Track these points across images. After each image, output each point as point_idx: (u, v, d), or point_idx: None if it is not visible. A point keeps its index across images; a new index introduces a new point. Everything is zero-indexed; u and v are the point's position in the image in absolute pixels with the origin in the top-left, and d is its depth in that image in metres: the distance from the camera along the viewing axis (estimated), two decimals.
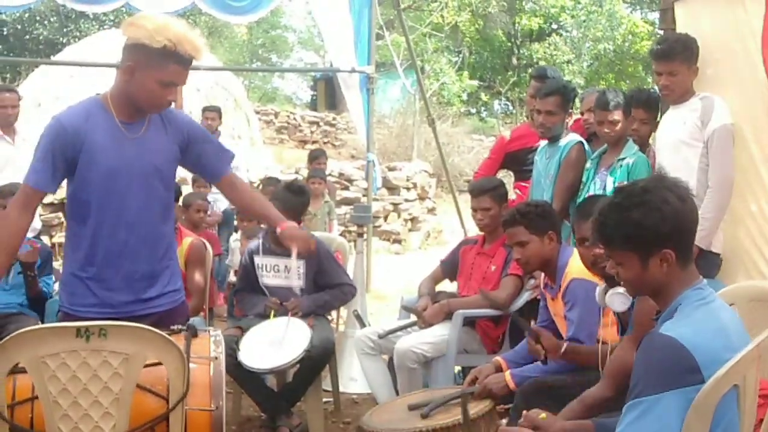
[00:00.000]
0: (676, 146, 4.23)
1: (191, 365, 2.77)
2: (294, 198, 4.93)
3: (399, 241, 12.59)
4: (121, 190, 3.14)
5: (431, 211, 14.08)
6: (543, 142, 5.08)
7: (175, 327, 2.99)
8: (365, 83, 8.55)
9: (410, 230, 13.12)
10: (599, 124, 4.52)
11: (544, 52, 25.56)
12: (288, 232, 3.48)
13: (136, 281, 3.23)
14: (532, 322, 4.24)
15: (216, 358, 2.90)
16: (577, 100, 5.53)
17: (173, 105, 7.35)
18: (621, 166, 4.43)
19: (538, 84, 5.38)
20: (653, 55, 4.34)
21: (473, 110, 27.49)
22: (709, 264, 4.04)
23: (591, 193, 4.48)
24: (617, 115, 4.43)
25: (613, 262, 2.39)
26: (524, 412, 2.80)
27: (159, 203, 3.26)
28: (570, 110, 4.99)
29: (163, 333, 2.68)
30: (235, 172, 7.99)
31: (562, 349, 3.53)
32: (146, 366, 2.69)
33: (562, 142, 4.86)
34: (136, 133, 3.17)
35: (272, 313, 4.72)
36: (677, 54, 4.19)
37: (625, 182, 3.89)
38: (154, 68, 3.03)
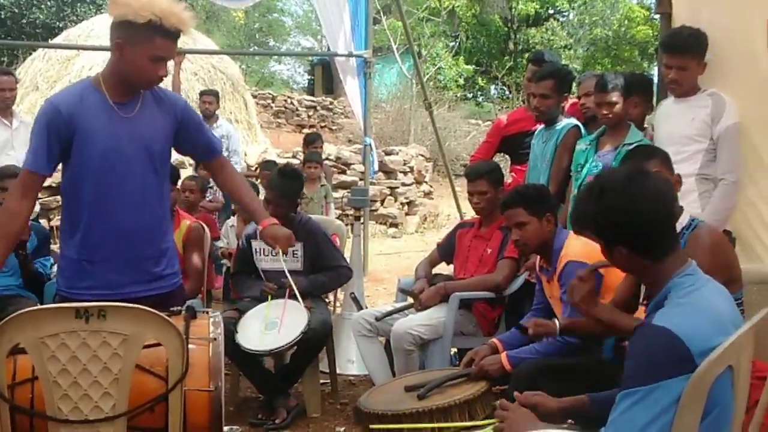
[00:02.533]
0: (682, 141, 4.23)
1: (190, 346, 2.79)
2: (288, 183, 4.94)
3: (396, 225, 12.62)
4: (115, 170, 3.14)
5: (428, 195, 14.11)
6: (540, 126, 5.09)
7: (174, 308, 3.00)
8: (362, 67, 8.56)
9: (407, 214, 13.15)
10: (598, 106, 4.53)
11: (541, 37, 25.54)
12: (269, 231, 3.51)
13: (133, 263, 3.24)
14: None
15: (215, 339, 2.91)
16: (574, 85, 5.55)
17: (171, 88, 7.38)
18: (628, 151, 4.41)
19: (534, 68, 5.38)
20: (665, 48, 4.33)
21: (470, 95, 27.47)
22: None
23: (591, 176, 4.47)
24: (615, 97, 4.42)
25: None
26: (515, 393, 2.83)
27: (154, 183, 3.26)
28: (566, 94, 5.00)
29: (162, 314, 2.70)
30: (233, 156, 8.08)
31: (558, 331, 3.53)
32: (146, 347, 2.70)
33: (559, 125, 4.88)
34: (130, 113, 3.17)
35: (269, 297, 4.74)
36: (689, 48, 4.18)
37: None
38: (143, 44, 3.04)
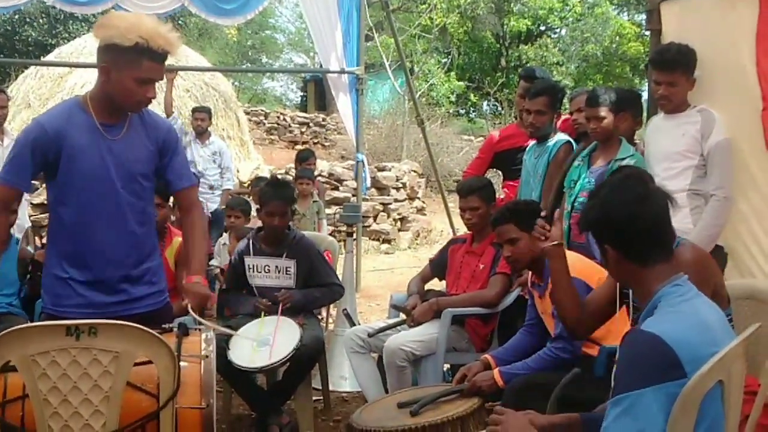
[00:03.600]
0: (672, 156, 4.25)
1: (182, 363, 2.78)
2: (277, 191, 4.95)
3: (388, 241, 12.62)
4: (98, 191, 3.15)
5: (420, 211, 14.12)
6: (532, 142, 5.10)
7: (166, 326, 2.99)
8: (354, 84, 8.57)
9: (399, 230, 13.15)
10: (588, 120, 4.54)
11: (534, 54, 25.64)
12: (187, 287, 3.37)
13: (120, 282, 3.24)
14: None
15: (207, 356, 2.91)
16: (565, 100, 5.57)
17: (164, 105, 7.36)
18: (620, 166, 4.42)
19: (527, 84, 5.41)
20: (654, 65, 4.35)
21: (462, 111, 27.56)
22: (717, 258, 4.09)
23: (584, 192, 4.48)
24: (604, 112, 4.44)
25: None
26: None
27: (139, 204, 3.28)
28: (558, 110, 5.02)
29: (153, 332, 2.69)
30: (225, 173, 8.07)
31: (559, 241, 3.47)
32: (137, 364, 2.70)
33: (551, 141, 4.90)
34: (116, 135, 3.19)
35: (262, 313, 4.73)
36: (678, 64, 4.20)
37: None
38: (129, 67, 3.05)
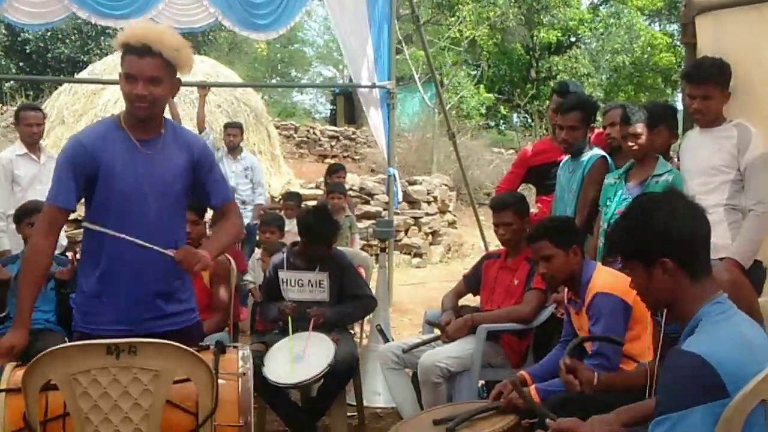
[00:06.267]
0: (708, 171, 4.22)
1: (220, 381, 2.80)
2: (322, 227, 4.98)
3: (420, 255, 12.61)
4: (135, 206, 3.18)
5: (452, 224, 14.09)
6: (565, 157, 5.08)
7: (203, 343, 3.01)
8: (385, 98, 8.59)
9: (431, 244, 13.14)
10: (623, 138, 4.53)
11: (564, 65, 25.54)
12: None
13: (152, 298, 3.25)
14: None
15: (244, 374, 2.92)
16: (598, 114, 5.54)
17: (196, 121, 7.40)
18: (657, 182, 4.39)
19: (559, 99, 5.38)
20: (687, 78, 4.32)
21: (492, 123, 27.50)
22: (756, 274, 4.05)
23: (620, 209, 4.46)
24: (639, 129, 4.42)
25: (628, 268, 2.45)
26: (548, 421, 2.82)
27: (173, 220, 3.31)
28: (592, 124, 4.99)
29: (192, 350, 2.71)
30: (257, 187, 8.11)
31: (595, 382, 3.46)
32: (176, 382, 2.72)
33: (585, 156, 4.87)
34: (151, 150, 3.22)
35: (289, 318, 4.73)
36: (712, 78, 4.18)
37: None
38: (122, 67, 3.18)
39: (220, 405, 2.75)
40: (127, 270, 3.21)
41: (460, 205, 15.61)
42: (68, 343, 2.68)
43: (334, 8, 8.81)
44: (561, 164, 5.10)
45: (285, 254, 5.08)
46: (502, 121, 28.53)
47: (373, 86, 8.55)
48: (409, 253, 12.46)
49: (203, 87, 8.78)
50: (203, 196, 3.45)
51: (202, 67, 13.77)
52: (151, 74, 3.14)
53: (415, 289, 9.82)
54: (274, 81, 33.93)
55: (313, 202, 9.36)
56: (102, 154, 3.15)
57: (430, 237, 13.20)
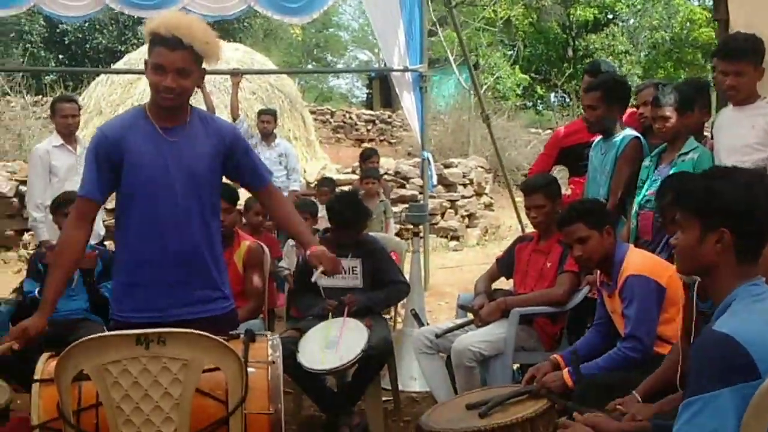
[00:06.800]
0: (743, 150, 4.15)
1: (249, 369, 2.81)
2: (350, 213, 4.99)
3: (456, 238, 12.58)
4: (160, 195, 3.19)
5: (488, 206, 14.03)
6: (598, 137, 5.03)
7: (233, 332, 3.03)
8: (418, 82, 8.56)
9: (467, 226, 13.10)
10: (653, 120, 4.48)
11: (601, 43, 25.27)
12: (315, 254, 3.46)
13: (180, 286, 3.26)
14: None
15: (273, 362, 2.93)
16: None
17: (230, 108, 7.49)
18: (684, 161, 4.34)
19: (590, 79, 5.33)
20: (719, 55, 4.26)
21: (529, 103, 27.32)
22: None
23: (651, 190, 4.41)
24: (668, 111, 4.36)
25: (676, 225, 2.40)
26: (575, 414, 2.80)
27: (202, 207, 3.29)
28: (616, 104, 4.88)
29: (220, 339, 2.73)
30: (292, 174, 8.13)
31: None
32: (206, 371, 2.74)
33: (618, 137, 4.81)
34: (176, 137, 3.23)
35: (330, 315, 4.75)
36: (745, 54, 4.11)
37: None
38: (149, 56, 3.16)
39: (250, 393, 2.76)
40: (157, 259, 3.23)
41: (497, 187, 15.52)
42: (98, 334, 2.70)
43: None
44: (593, 145, 5.05)
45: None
46: (539, 101, 28.33)
47: (405, 70, 8.51)
48: (446, 236, 12.43)
49: (236, 74, 8.79)
50: (244, 181, 3.48)
51: (236, 55, 13.82)
52: (181, 66, 3.13)
53: (452, 273, 9.81)
54: (309, 66, 34.02)
55: (349, 187, 9.38)
56: (126, 144, 3.17)
57: (466, 220, 13.15)
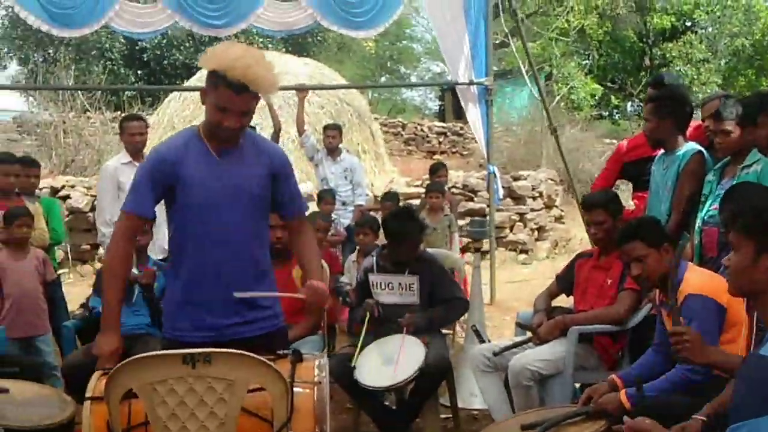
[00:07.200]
0: None
1: (296, 389, 2.83)
2: (404, 228, 4.97)
3: (525, 251, 12.46)
4: (213, 216, 3.23)
5: (558, 219, 13.86)
6: (660, 151, 4.92)
7: (281, 352, 3.04)
8: (483, 95, 8.53)
9: (537, 240, 12.96)
10: (714, 135, 4.38)
11: (678, 51, 24.77)
12: (308, 285, 3.44)
13: (232, 305, 3.29)
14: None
15: (320, 382, 2.94)
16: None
17: (296, 124, 7.54)
18: (747, 173, 4.22)
19: (653, 91, 5.24)
20: None
21: (605, 113, 26.92)
22: None
23: (715, 205, 4.30)
24: (729, 126, 4.25)
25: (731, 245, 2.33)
26: (625, 417, 2.76)
27: (254, 227, 3.33)
28: (667, 118, 4.77)
29: (265, 359, 2.75)
30: (357, 188, 8.17)
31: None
32: (253, 390, 2.77)
33: (680, 151, 4.70)
34: (229, 160, 3.27)
35: (367, 315, 4.76)
36: None
37: None
38: (211, 92, 3.15)
39: (295, 413, 2.78)
40: (210, 278, 3.28)
41: (569, 199, 15.33)
42: (146, 354, 2.75)
43: (431, 5, 8.83)
44: (655, 160, 4.95)
45: (375, 257, 5.10)
46: (615, 111, 27.90)
47: (471, 83, 8.51)
48: (515, 250, 12.32)
49: (302, 90, 8.89)
50: (279, 205, 3.49)
51: (306, 70, 13.97)
52: (246, 109, 3.21)
53: (519, 287, 9.70)
54: (383, 79, 34.17)
55: (418, 200, 9.38)
56: (181, 166, 3.22)
57: (535, 233, 13.01)
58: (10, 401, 3.92)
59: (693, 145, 4.72)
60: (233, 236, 3.28)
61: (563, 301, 5.07)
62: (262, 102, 8.25)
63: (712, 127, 4.48)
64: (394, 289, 4.93)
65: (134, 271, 5.05)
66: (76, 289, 8.84)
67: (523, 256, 12.30)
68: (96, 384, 2.90)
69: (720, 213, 3.91)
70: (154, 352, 2.78)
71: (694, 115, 5.06)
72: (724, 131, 4.27)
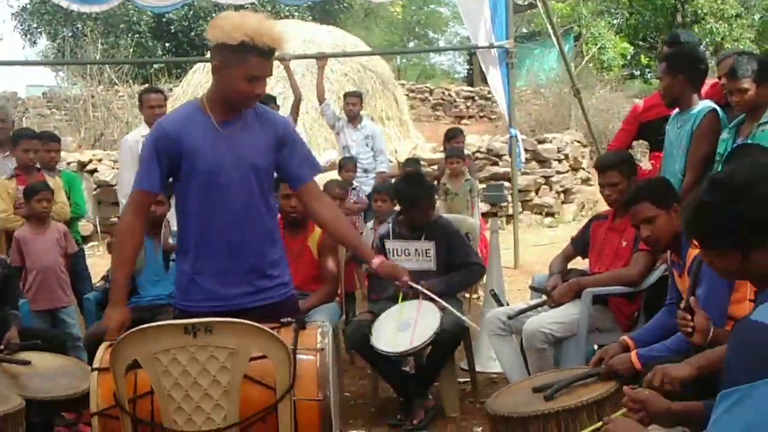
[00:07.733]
0: None
1: (299, 356, 2.86)
2: (413, 192, 4.98)
3: (552, 214, 12.39)
4: (220, 185, 3.25)
5: (585, 181, 13.74)
6: (675, 111, 4.86)
7: (284, 320, 3.07)
8: (504, 58, 8.46)
9: (563, 202, 12.88)
10: (729, 93, 4.30)
11: (710, 7, 24.28)
12: (383, 270, 3.65)
13: (241, 275, 3.32)
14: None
15: (322, 349, 2.97)
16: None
17: (316, 93, 7.57)
18: (764, 131, 4.16)
19: (668, 50, 5.15)
20: None
21: (636, 73, 26.54)
22: None
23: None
24: (746, 83, 4.18)
25: (712, 256, 2.26)
26: (624, 387, 2.75)
27: (258, 198, 3.34)
28: (679, 75, 4.69)
29: (266, 327, 2.77)
30: (378, 155, 8.18)
31: (710, 335, 3.28)
32: (255, 358, 2.80)
33: (694, 109, 4.62)
34: (232, 131, 3.27)
35: (400, 295, 4.76)
36: None
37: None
38: (238, 64, 3.12)
39: (298, 380, 2.81)
40: (218, 249, 3.30)
41: None
42: (147, 324, 2.78)
43: None
44: (670, 119, 4.88)
45: (390, 224, 5.11)
46: (647, 70, 27.47)
47: (491, 47, 8.44)
48: (541, 213, 12.26)
49: (322, 59, 8.87)
50: (286, 173, 3.50)
51: (329, 37, 13.91)
52: (271, 72, 3.25)
53: (545, 250, 9.63)
54: (411, 44, 33.97)
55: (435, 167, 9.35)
56: (184, 138, 3.23)
57: (561, 196, 12.93)
58: (33, 373, 4.02)
59: (707, 104, 4.65)
60: (239, 206, 3.29)
61: (579, 263, 5.05)
62: (285, 73, 8.21)
63: (727, 85, 4.40)
64: (411, 255, 4.93)
65: (170, 240, 5.11)
66: (105, 261, 8.94)
67: (549, 219, 12.24)
68: (102, 355, 2.95)
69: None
70: (156, 323, 2.81)
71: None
72: (740, 89, 4.20)
